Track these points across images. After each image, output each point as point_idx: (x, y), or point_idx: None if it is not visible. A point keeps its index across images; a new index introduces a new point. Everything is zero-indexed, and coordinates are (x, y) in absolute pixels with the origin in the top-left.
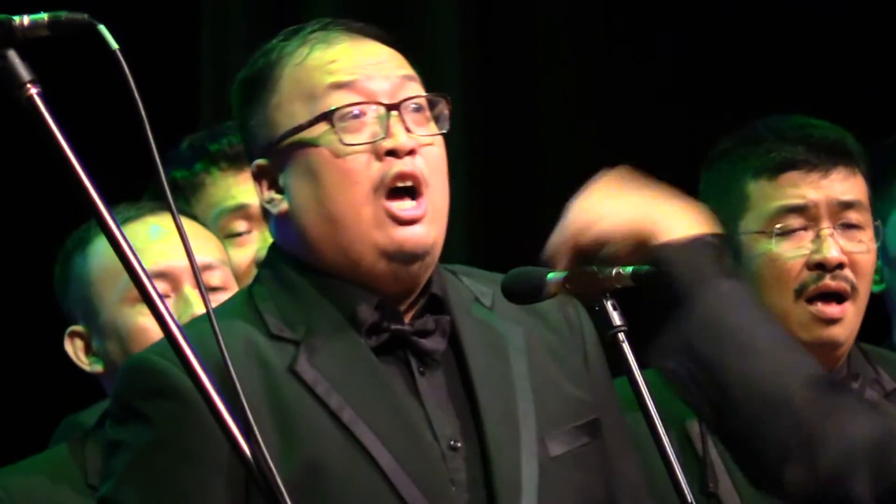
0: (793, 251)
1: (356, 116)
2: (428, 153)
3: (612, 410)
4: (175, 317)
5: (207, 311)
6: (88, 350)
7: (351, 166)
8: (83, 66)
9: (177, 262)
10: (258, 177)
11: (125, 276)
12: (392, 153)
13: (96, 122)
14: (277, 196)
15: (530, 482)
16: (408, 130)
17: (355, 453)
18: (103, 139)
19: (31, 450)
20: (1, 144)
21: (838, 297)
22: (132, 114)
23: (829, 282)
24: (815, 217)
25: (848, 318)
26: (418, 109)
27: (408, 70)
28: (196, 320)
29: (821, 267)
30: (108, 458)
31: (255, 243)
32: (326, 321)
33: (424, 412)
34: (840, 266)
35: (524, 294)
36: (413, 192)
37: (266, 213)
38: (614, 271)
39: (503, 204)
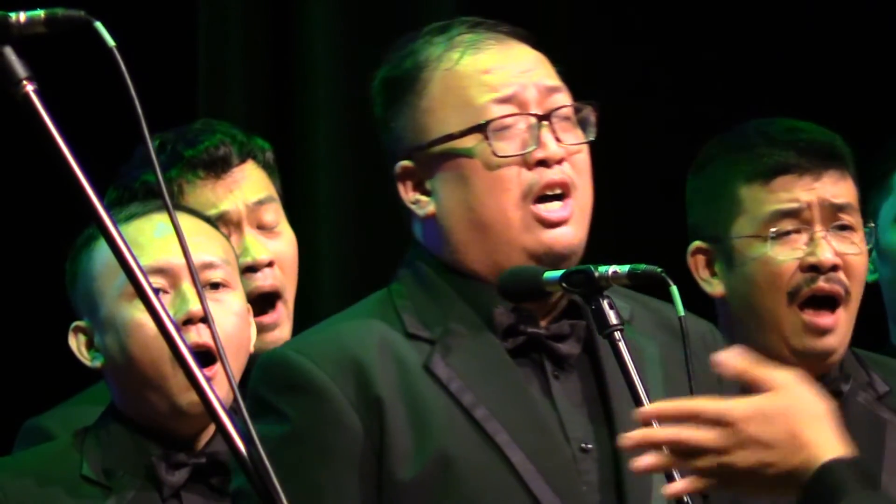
0: (787, 254)
1: (507, 127)
2: (575, 159)
3: None
4: (170, 313)
5: (204, 308)
6: (91, 345)
7: (502, 175)
8: (80, 63)
9: (175, 258)
10: (402, 177)
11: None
12: (542, 163)
13: (93, 120)
14: (424, 198)
15: (660, 488)
16: (557, 140)
17: (487, 450)
18: (100, 136)
19: None
20: None
21: (831, 302)
22: (129, 111)
23: (822, 284)
24: (809, 220)
25: (840, 327)
26: (566, 118)
27: (554, 79)
28: (333, 319)
29: (815, 269)
30: None
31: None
32: (463, 322)
33: (557, 414)
34: (834, 268)
35: (522, 292)
36: (561, 197)
37: (408, 213)
38: (611, 270)
39: None
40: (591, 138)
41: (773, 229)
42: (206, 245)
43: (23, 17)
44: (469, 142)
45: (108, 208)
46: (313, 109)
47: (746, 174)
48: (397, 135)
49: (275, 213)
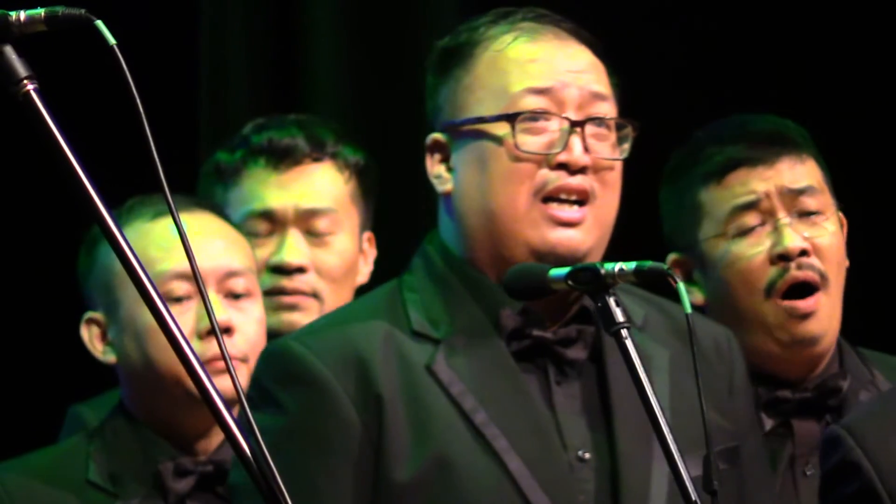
0: (752, 248)
1: (537, 122)
2: (603, 173)
3: (752, 441)
4: (194, 321)
5: (211, 319)
6: (104, 338)
7: (520, 168)
8: (80, 61)
9: (203, 264)
10: (431, 149)
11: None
12: (564, 167)
13: (94, 119)
14: (446, 175)
15: (659, 499)
16: (586, 149)
17: (485, 455)
18: (101, 135)
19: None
20: None
21: (808, 288)
22: (130, 110)
23: (795, 273)
24: (770, 210)
25: (823, 311)
26: (603, 128)
27: (602, 87)
28: (341, 310)
29: (784, 258)
30: None
31: (270, 246)
32: (469, 322)
33: (556, 421)
34: (804, 254)
35: (527, 290)
36: (577, 204)
37: (435, 196)
38: (617, 267)
39: None
40: (623, 157)
41: (732, 226)
42: (232, 252)
43: (23, 15)
44: (497, 129)
45: (109, 208)
46: (315, 108)
47: (701, 177)
48: (438, 105)
49: (330, 223)
